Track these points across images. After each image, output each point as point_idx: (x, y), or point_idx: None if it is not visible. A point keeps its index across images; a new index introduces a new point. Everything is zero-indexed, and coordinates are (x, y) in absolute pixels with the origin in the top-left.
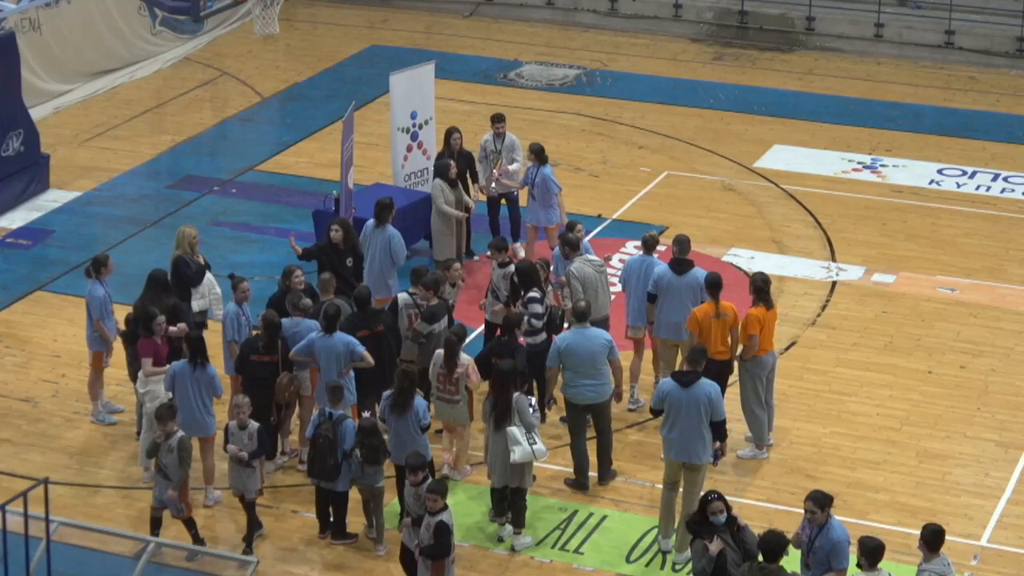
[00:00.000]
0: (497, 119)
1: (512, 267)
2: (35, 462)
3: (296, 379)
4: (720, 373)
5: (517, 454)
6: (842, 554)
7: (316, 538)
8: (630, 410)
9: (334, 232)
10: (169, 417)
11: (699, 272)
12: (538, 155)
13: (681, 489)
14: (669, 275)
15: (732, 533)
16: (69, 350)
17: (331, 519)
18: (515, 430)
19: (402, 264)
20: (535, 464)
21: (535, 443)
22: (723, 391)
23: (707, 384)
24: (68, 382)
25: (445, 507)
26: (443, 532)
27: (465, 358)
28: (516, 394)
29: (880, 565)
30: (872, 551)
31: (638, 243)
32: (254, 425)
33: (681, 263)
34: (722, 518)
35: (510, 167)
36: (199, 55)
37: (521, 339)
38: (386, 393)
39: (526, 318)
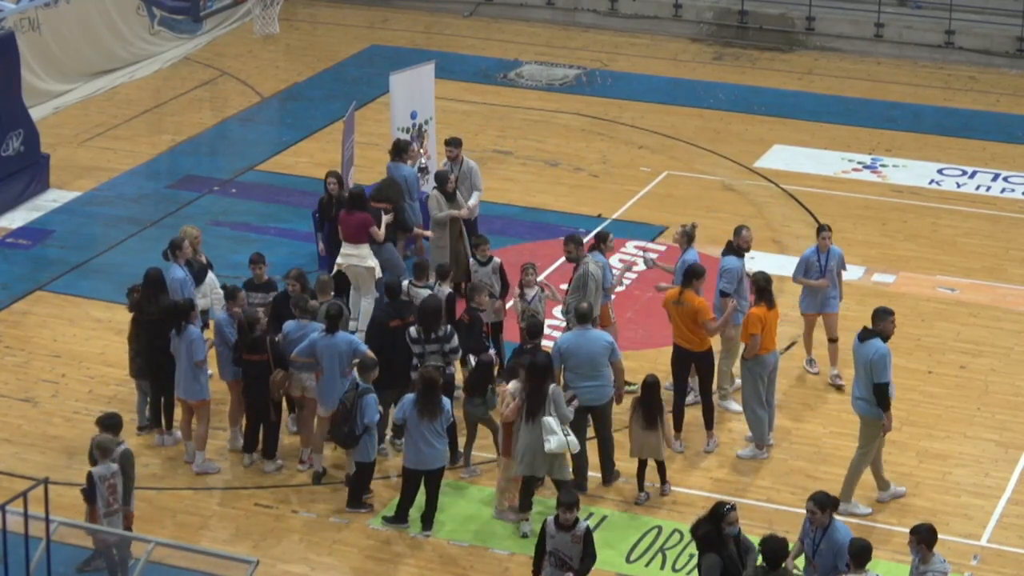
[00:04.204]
0: (449, 143)
1: (497, 260)
2: (35, 462)
3: (289, 376)
4: (700, 365)
5: (552, 443)
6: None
7: (316, 538)
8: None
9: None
10: (111, 428)
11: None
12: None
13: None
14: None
15: (738, 550)
16: (69, 350)
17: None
18: (551, 420)
19: (419, 199)
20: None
21: (569, 435)
22: (708, 387)
23: (874, 345)
24: (68, 382)
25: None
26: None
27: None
28: (553, 385)
29: (879, 565)
30: (859, 552)
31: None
32: None
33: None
34: (735, 529)
35: (470, 203)
36: (199, 55)
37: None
38: (409, 399)
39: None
